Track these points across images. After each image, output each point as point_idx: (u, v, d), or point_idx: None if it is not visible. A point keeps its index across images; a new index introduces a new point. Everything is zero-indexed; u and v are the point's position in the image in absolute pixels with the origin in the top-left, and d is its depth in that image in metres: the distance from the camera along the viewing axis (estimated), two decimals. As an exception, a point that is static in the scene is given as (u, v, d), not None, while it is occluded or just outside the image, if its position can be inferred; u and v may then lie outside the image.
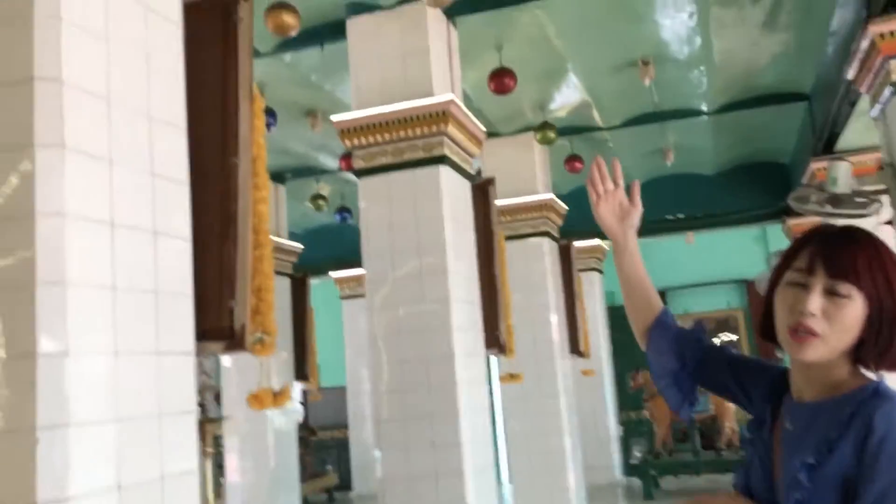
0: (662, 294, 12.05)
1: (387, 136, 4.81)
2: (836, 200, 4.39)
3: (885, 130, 4.39)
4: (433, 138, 4.78)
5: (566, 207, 8.05)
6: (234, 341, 2.39)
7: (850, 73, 4.69)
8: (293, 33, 4.65)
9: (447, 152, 4.83)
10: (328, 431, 11.41)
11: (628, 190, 1.68)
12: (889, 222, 4.92)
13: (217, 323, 2.35)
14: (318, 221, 10.19)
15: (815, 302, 1.24)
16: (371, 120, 4.83)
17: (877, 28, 4.21)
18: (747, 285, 11.84)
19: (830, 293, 1.24)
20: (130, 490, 1.96)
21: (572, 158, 7.93)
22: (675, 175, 9.36)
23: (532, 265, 7.53)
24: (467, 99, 6.00)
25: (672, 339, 1.59)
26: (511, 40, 5.76)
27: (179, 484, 2.15)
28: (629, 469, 10.06)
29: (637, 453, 10.02)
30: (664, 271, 11.83)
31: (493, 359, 7.28)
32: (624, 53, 6.22)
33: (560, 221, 8.06)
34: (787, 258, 1.32)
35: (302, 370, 8.12)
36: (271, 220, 7.87)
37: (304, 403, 10.49)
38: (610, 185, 1.68)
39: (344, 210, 9.33)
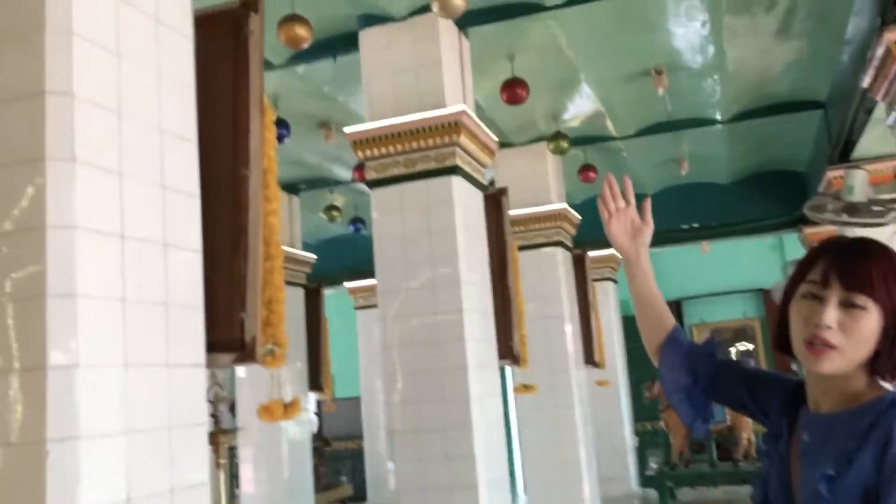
0: (678, 304, 12.00)
1: (399, 147, 4.81)
2: (853, 209, 4.34)
3: (902, 138, 4.35)
4: (445, 149, 4.78)
5: (580, 217, 8.03)
6: (245, 353, 2.39)
7: (866, 81, 4.65)
8: (306, 45, 4.67)
9: (459, 163, 4.83)
10: (342, 442, 11.40)
11: (640, 207, 1.68)
12: (906, 231, 4.86)
13: (227, 335, 2.35)
14: (331, 232, 10.21)
15: (832, 314, 1.24)
16: (383, 131, 4.83)
17: (892, 36, 4.18)
18: (763, 294, 11.74)
19: (846, 305, 1.24)
20: (140, 502, 1.96)
21: (586, 168, 7.90)
22: (690, 184, 9.32)
23: (546, 275, 7.50)
24: (480, 109, 6.00)
25: (684, 355, 1.59)
26: (523, 51, 5.76)
27: (190, 496, 2.14)
28: (645, 480, 9.97)
29: (653, 464, 9.94)
30: (680, 281, 11.78)
31: (508, 369, 7.26)
32: (637, 63, 6.21)
33: (574, 231, 8.03)
34: (801, 270, 1.32)
35: (316, 381, 8.12)
36: (285, 230, 7.92)
37: (319, 414, 10.52)
38: (621, 203, 1.67)
39: (357, 221, 9.35)
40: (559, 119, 7.18)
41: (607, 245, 10.18)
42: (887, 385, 1.28)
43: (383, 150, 4.85)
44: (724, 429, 9.43)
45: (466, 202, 4.91)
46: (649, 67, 6.24)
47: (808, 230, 8.68)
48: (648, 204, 1.68)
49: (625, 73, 6.37)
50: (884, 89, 4.46)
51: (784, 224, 9.25)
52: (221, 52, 2.48)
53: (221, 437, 3.14)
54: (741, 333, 12.17)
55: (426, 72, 4.86)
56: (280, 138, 5.91)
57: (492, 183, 6.63)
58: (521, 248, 6.91)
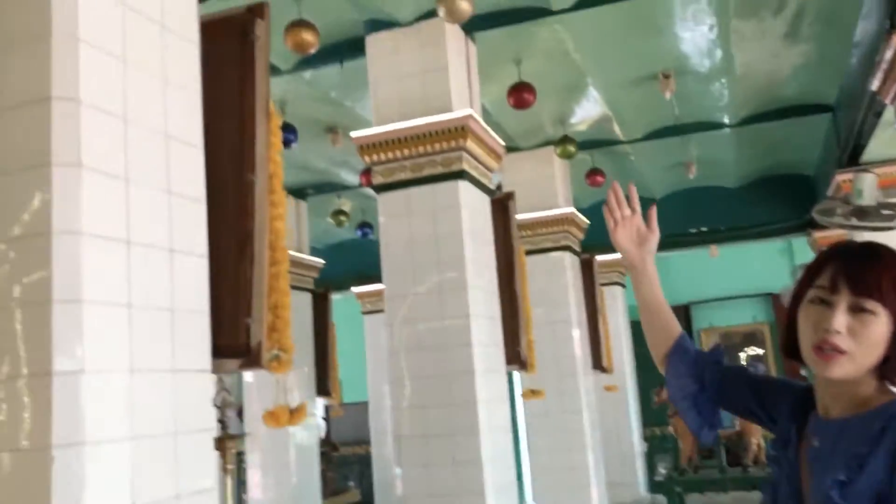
0: (687, 308, 11.95)
1: (406, 151, 4.81)
2: (862, 213, 4.32)
3: (912, 141, 4.32)
4: (452, 153, 4.78)
5: (588, 221, 8.00)
6: (251, 358, 2.38)
7: (875, 84, 4.63)
8: (313, 51, 4.68)
9: (466, 167, 4.83)
10: (350, 447, 11.39)
11: (646, 215, 1.69)
12: (917, 235, 4.83)
13: (233, 340, 2.35)
14: (339, 237, 10.22)
15: (841, 319, 1.24)
16: (390, 136, 4.83)
17: (901, 38, 4.15)
18: (773, 299, 11.69)
19: (855, 310, 1.24)
20: (146, 509, 1.96)
21: (593, 172, 7.88)
22: (698, 188, 9.29)
23: (553, 280, 7.48)
24: (486, 114, 5.99)
25: (691, 363, 1.60)
26: (530, 55, 5.76)
27: (196, 502, 2.14)
28: (654, 486, 9.93)
29: (662, 470, 9.90)
30: (688, 285, 11.73)
31: (516, 374, 7.24)
32: (644, 67, 6.19)
33: (581, 235, 8.01)
34: (809, 275, 1.32)
35: (324, 386, 8.11)
36: (293, 235, 7.92)
37: (327, 419, 10.52)
38: (627, 211, 1.68)
39: (365, 225, 9.36)
40: (566, 123, 7.17)
41: (615, 249, 10.08)
42: (896, 390, 1.28)
43: (390, 155, 4.85)
44: (734, 434, 9.38)
45: (473, 206, 4.91)
46: (657, 71, 6.22)
47: (818, 234, 8.64)
48: (654, 212, 1.69)
49: (632, 76, 6.36)
50: (892, 92, 4.44)
51: (793, 228, 9.21)
52: (227, 57, 2.49)
53: (229, 443, 3.14)
54: (751, 338, 12.11)
55: (433, 76, 4.86)
56: (288, 143, 5.92)
57: (499, 187, 6.62)
58: (529, 252, 6.90)
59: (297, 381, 7.52)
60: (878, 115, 5.47)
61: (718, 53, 6.03)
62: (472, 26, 5.05)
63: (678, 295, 11.84)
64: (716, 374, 1.56)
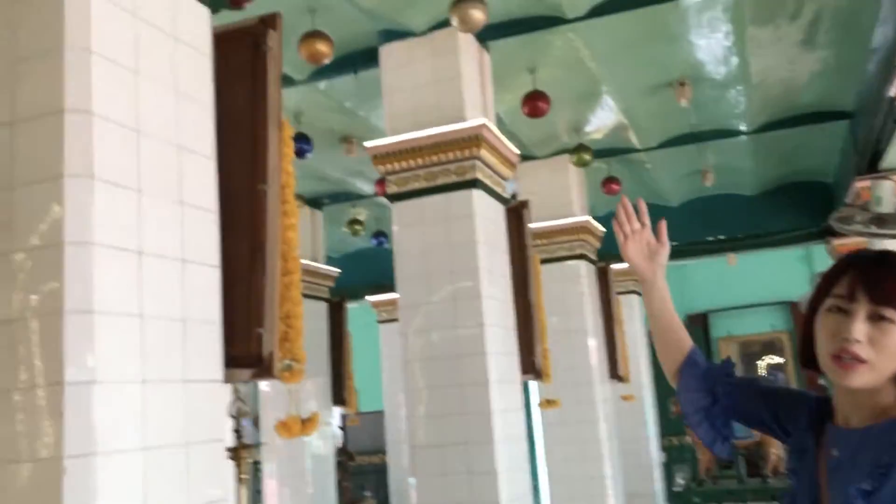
0: (705, 317, 11.87)
1: (419, 160, 4.81)
2: (881, 220, 4.28)
3: (931, 148, 4.27)
4: (466, 162, 4.77)
5: (603, 230, 7.96)
6: (263, 368, 2.38)
7: (893, 90, 4.59)
8: (327, 61, 4.71)
9: (480, 176, 4.82)
10: (366, 456, 11.37)
11: (656, 228, 1.69)
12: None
13: (245, 350, 2.35)
14: (354, 246, 10.24)
15: (860, 328, 1.23)
16: (404, 145, 4.84)
17: (919, 43, 4.11)
18: (792, 307, 11.58)
19: (874, 319, 1.23)
20: (157, 519, 1.96)
21: (609, 180, 7.85)
22: (716, 196, 9.22)
23: (569, 288, 7.44)
24: (501, 122, 5.99)
25: (701, 376, 1.59)
26: (544, 63, 5.75)
27: (208, 513, 2.13)
28: (672, 497, 9.85)
29: (680, 480, 9.81)
30: (706, 294, 11.65)
31: (533, 384, 7.20)
32: (659, 74, 6.17)
33: (597, 244, 7.97)
34: (826, 284, 1.31)
35: (340, 395, 8.12)
36: (308, 245, 7.94)
37: (343, 428, 10.51)
38: (637, 225, 1.69)
39: (380, 234, 9.38)
40: (581, 131, 7.15)
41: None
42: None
43: (404, 164, 4.86)
44: (753, 444, 9.30)
45: (487, 215, 4.90)
46: (672, 79, 6.19)
47: (836, 241, 8.55)
48: (664, 225, 1.69)
49: (648, 84, 6.33)
50: (911, 98, 4.40)
51: (811, 235, 9.12)
52: (239, 68, 2.50)
53: (244, 452, 3.14)
54: (769, 347, 12.00)
55: (446, 86, 4.86)
56: (303, 153, 5.94)
57: (514, 196, 6.61)
58: (544, 261, 6.87)
59: (312, 390, 7.52)
60: (897, 121, 5.42)
61: (734, 60, 6.00)
62: (486, 35, 5.05)
63: (696, 303, 11.77)
64: (728, 387, 1.55)
